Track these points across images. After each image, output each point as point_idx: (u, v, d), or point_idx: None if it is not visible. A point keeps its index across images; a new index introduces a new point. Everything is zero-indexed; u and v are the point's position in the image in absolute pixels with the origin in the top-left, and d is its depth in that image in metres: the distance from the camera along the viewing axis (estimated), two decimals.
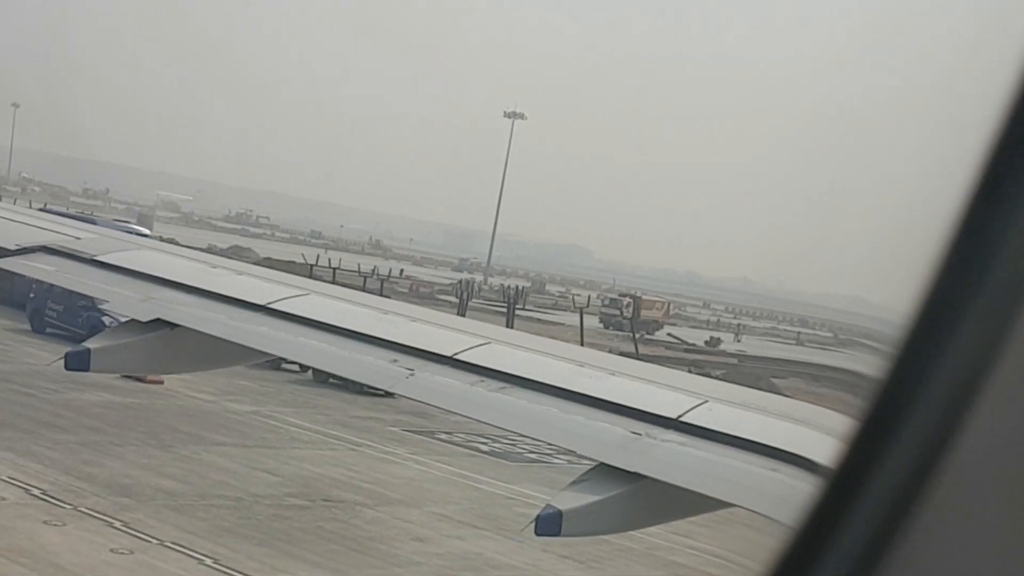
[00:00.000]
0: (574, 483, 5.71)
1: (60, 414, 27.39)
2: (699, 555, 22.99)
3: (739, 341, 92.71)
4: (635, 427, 5.79)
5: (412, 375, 6.21)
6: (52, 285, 33.07)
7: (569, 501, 5.54)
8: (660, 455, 5.62)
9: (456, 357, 6.28)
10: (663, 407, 5.89)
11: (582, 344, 46.26)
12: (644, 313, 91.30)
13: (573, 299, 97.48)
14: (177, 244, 23.17)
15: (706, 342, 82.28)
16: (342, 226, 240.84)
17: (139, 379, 33.06)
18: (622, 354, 30.03)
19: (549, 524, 5.47)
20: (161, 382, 33.13)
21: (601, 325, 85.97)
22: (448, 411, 6.37)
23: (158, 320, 6.66)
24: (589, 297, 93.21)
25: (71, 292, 39.49)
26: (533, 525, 5.56)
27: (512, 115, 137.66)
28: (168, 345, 6.67)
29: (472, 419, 6.26)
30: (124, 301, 6.95)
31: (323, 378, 37.84)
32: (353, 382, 36.87)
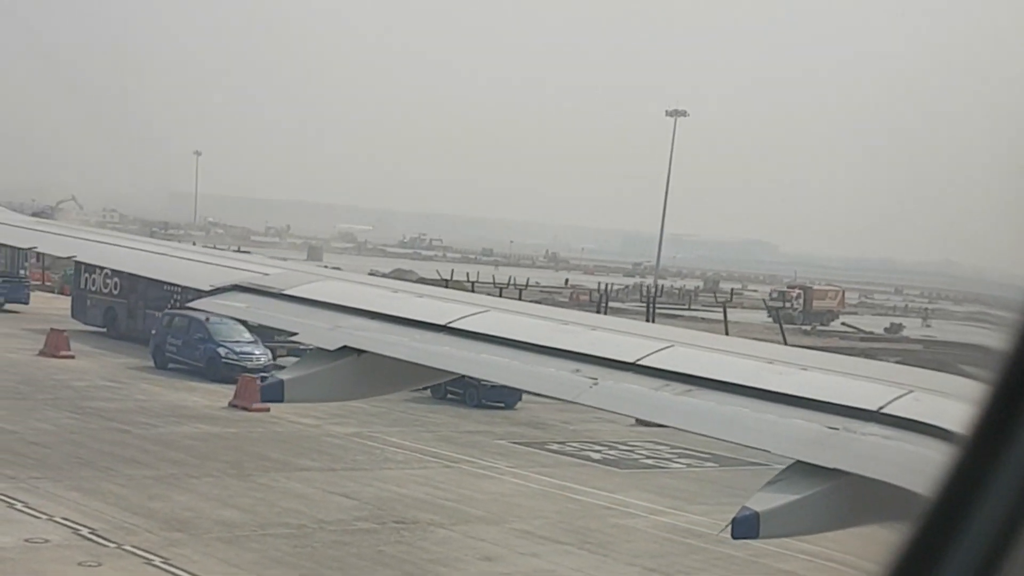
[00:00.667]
0: (770, 483, 5.64)
1: (147, 449, 27.71)
2: (813, 560, 22.02)
3: (928, 327, 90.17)
4: (832, 422, 5.69)
5: (595, 384, 6.22)
6: (172, 320, 36.02)
7: (765, 502, 5.47)
8: (861, 450, 5.50)
9: (639, 363, 6.26)
10: (862, 399, 5.76)
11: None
12: (816, 303, 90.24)
13: (731, 295, 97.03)
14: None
15: (886, 329, 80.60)
16: (512, 241, 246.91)
17: (244, 408, 33.85)
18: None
19: (746, 526, 5.45)
20: (267, 409, 33.52)
21: (769, 319, 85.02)
22: (633, 416, 6.39)
23: (345, 347, 6.84)
24: (769, 292, 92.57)
25: (189, 327, 41.18)
26: (730, 528, 5.52)
27: (674, 113, 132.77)
28: (356, 371, 6.82)
29: (660, 425, 6.25)
30: (312, 331, 7.14)
31: (441, 394, 38.55)
32: (470, 396, 37.57)
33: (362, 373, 6.84)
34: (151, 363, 41.94)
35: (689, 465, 31.37)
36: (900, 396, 5.76)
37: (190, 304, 8.25)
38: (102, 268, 50.25)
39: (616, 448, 32.97)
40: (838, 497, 5.44)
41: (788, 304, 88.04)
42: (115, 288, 50.70)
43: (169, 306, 45.81)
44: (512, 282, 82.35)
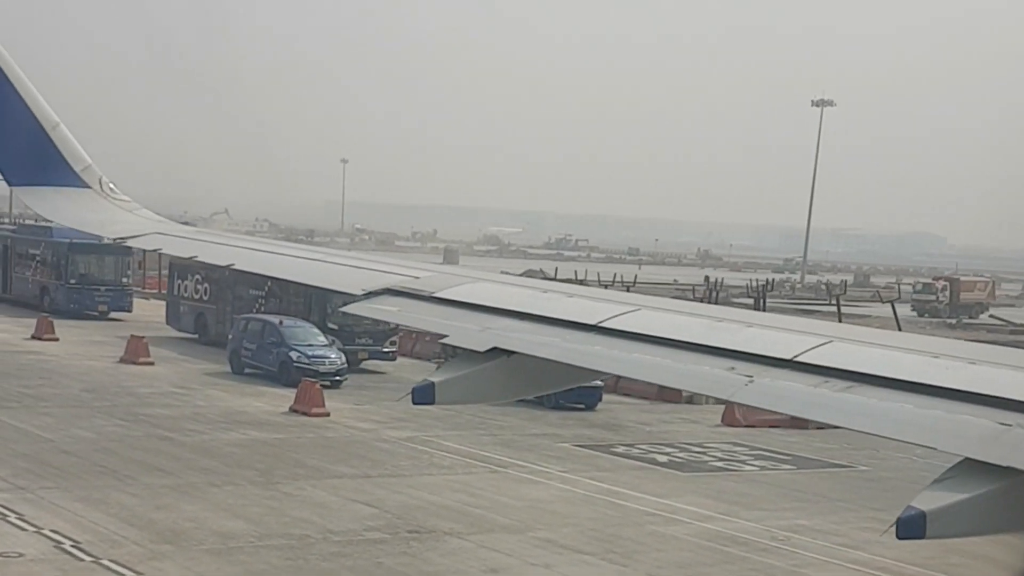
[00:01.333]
0: (937, 481, 5.49)
1: (180, 457, 27.43)
2: (860, 570, 21.42)
3: None
4: (1004, 418, 5.53)
5: (751, 382, 6.10)
6: (247, 325, 35.99)
7: (933, 501, 5.33)
8: None
9: (797, 359, 6.13)
10: None
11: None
12: (964, 296, 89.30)
13: (879, 292, 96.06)
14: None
15: None
16: (656, 240, 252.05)
17: (304, 413, 33.87)
18: None
19: (912, 527, 5.27)
20: (327, 414, 33.75)
21: (914, 313, 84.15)
22: (794, 416, 6.27)
23: (495, 349, 6.78)
24: (913, 285, 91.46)
25: (263, 331, 41.34)
26: (894, 529, 5.33)
27: (820, 103, 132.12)
28: (506, 372, 6.77)
29: (819, 422, 6.09)
30: (462, 333, 7.08)
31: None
32: (548, 398, 36.80)
33: (512, 374, 6.78)
34: (229, 369, 42.05)
35: (763, 468, 30.84)
36: None
37: (344, 309, 8.22)
38: (194, 274, 51.07)
39: (689, 450, 32.41)
40: (1011, 497, 5.28)
41: (934, 297, 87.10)
42: (205, 293, 50.98)
43: (255, 310, 46.41)
44: (618, 279, 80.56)
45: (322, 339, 41.40)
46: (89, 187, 10.32)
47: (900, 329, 50.41)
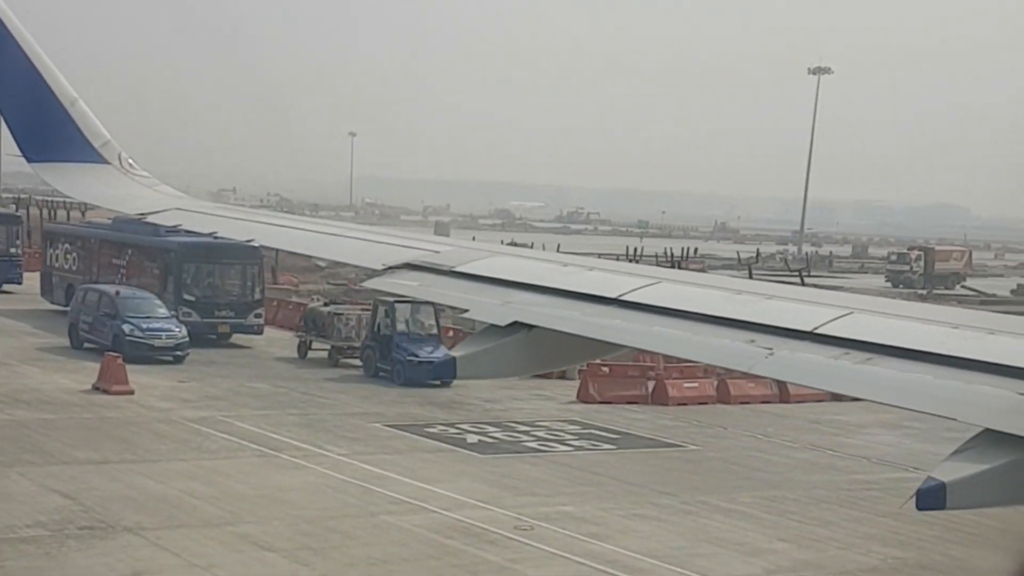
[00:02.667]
0: (956, 452, 5.56)
1: None
2: (586, 565, 19.95)
3: None
4: None
5: (771, 354, 6.17)
6: (85, 295, 35.20)
7: (952, 472, 5.39)
8: None
9: (816, 331, 6.20)
10: None
11: None
12: (939, 266, 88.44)
13: (831, 260, 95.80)
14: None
15: (1012, 291, 79.60)
16: (663, 212, 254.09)
17: (105, 391, 32.24)
18: None
19: (932, 497, 5.33)
20: (131, 392, 32.16)
21: (888, 284, 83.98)
22: (811, 388, 6.36)
23: (515, 323, 6.85)
24: (887, 254, 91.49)
25: (99, 302, 39.72)
26: (914, 500, 5.47)
27: (818, 70, 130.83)
28: (527, 346, 6.83)
29: (839, 394, 6.18)
30: (483, 307, 7.16)
31: (373, 371, 38.13)
32: (397, 373, 37.01)
33: (532, 348, 6.84)
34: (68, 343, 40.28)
35: (577, 449, 29.72)
36: None
37: (365, 283, 8.31)
38: (63, 242, 49.72)
39: (514, 430, 31.23)
40: None
41: (908, 267, 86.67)
42: (74, 263, 49.43)
43: (117, 280, 44.71)
44: (628, 253, 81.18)
45: (163, 311, 39.40)
46: (108, 163, 10.33)
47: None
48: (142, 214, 10.33)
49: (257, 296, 44.96)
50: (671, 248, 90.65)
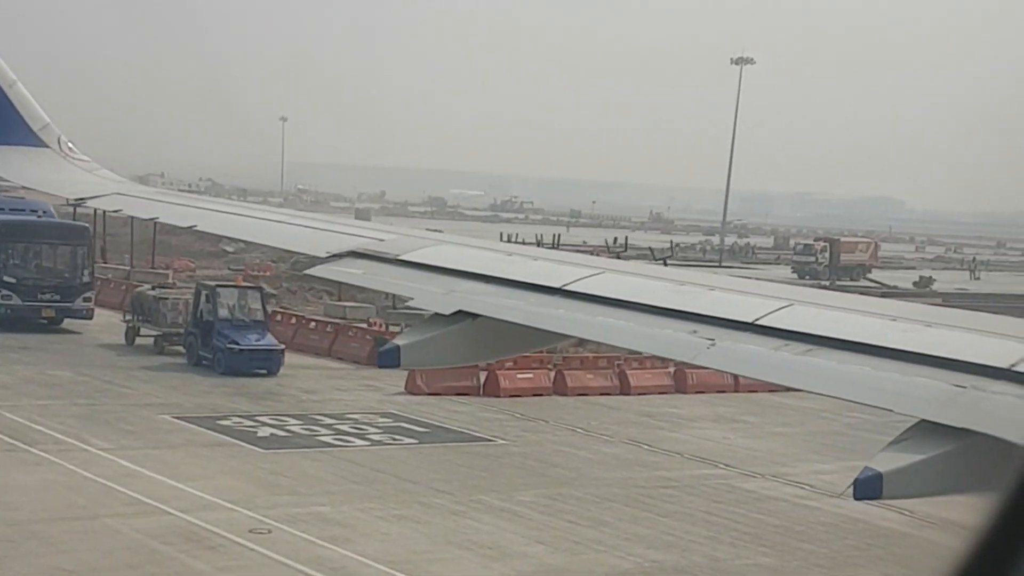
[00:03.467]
0: (893, 443, 5.66)
1: None
2: (299, 571, 19.07)
3: (977, 279, 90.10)
4: (959, 380, 5.74)
5: (713, 345, 6.27)
6: None
7: (889, 462, 5.50)
8: (991, 409, 5.52)
9: (758, 323, 6.31)
10: (991, 357, 5.78)
11: None
12: (844, 257, 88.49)
13: (753, 251, 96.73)
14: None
15: (915, 283, 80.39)
16: (594, 202, 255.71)
17: None
18: None
19: (869, 487, 5.45)
20: None
21: (795, 275, 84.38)
22: (753, 379, 6.47)
23: (460, 312, 6.91)
24: (794, 246, 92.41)
25: None
26: (852, 489, 5.61)
27: (740, 61, 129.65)
28: (471, 335, 6.90)
29: (780, 385, 6.32)
30: (428, 296, 7.21)
31: (195, 359, 36.89)
32: (218, 362, 35.90)
33: (477, 337, 6.92)
34: None
35: (376, 443, 28.70)
36: None
37: (308, 271, 8.33)
38: None
39: (318, 423, 30.24)
40: (966, 458, 5.46)
41: (813, 258, 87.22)
42: None
43: None
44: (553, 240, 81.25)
45: None
46: (47, 146, 10.25)
47: None
48: (80, 199, 10.26)
49: (86, 279, 43.20)
50: (588, 239, 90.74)
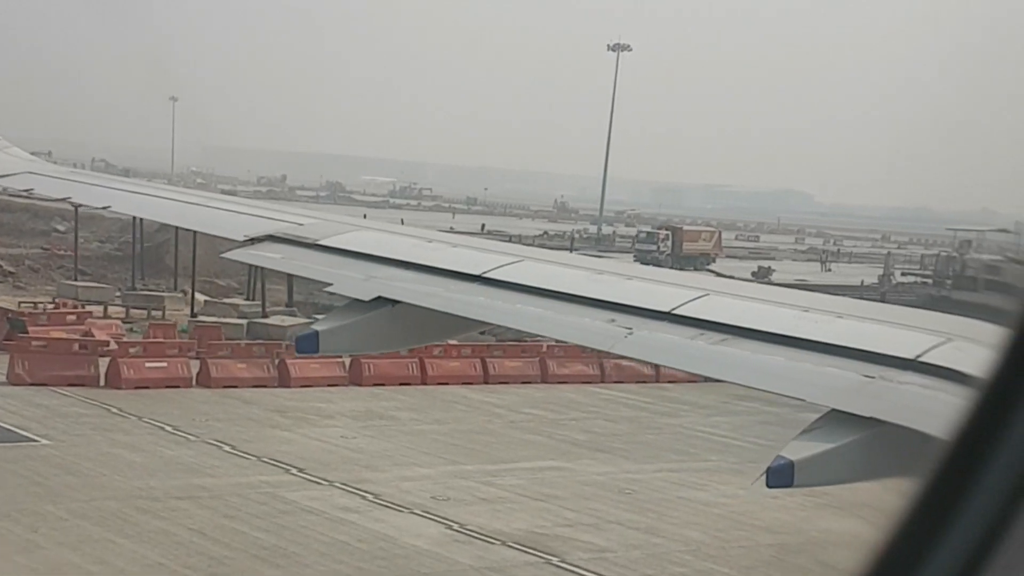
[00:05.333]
0: (805, 432, 5.87)
1: None
2: None
3: (828, 271, 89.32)
4: (868, 370, 5.96)
5: (631, 334, 6.46)
6: None
7: (801, 451, 5.70)
8: (898, 399, 5.74)
9: (674, 312, 6.52)
10: (899, 348, 6.01)
11: None
12: (688, 247, 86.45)
13: (613, 238, 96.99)
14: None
15: (753, 273, 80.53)
16: (486, 189, 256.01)
17: None
18: None
19: (781, 475, 5.66)
20: None
21: (637, 264, 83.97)
22: (670, 367, 6.69)
23: (379, 298, 7.01)
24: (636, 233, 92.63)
25: None
26: (764, 478, 5.83)
27: (617, 47, 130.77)
28: (390, 321, 7.01)
29: (695, 374, 6.54)
30: (347, 281, 7.28)
31: None
32: None
33: (397, 324, 7.04)
34: None
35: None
36: (938, 345, 6.03)
37: (225, 255, 8.34)
38: None
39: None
40: (874, 447, 5.70)
41: (655, 247, 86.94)
42: None
43: None
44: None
45: None
46: None
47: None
48: None
49: None
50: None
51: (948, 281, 70.57)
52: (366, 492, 23.13)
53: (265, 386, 32.60)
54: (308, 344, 6.85)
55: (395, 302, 7.01)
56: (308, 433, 28.41)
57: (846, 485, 6.27)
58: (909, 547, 1.94)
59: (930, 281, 73.21)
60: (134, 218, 39.77)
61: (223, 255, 8.39)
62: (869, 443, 5.72)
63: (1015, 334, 2.01)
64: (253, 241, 8.04)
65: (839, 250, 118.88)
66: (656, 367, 36.34)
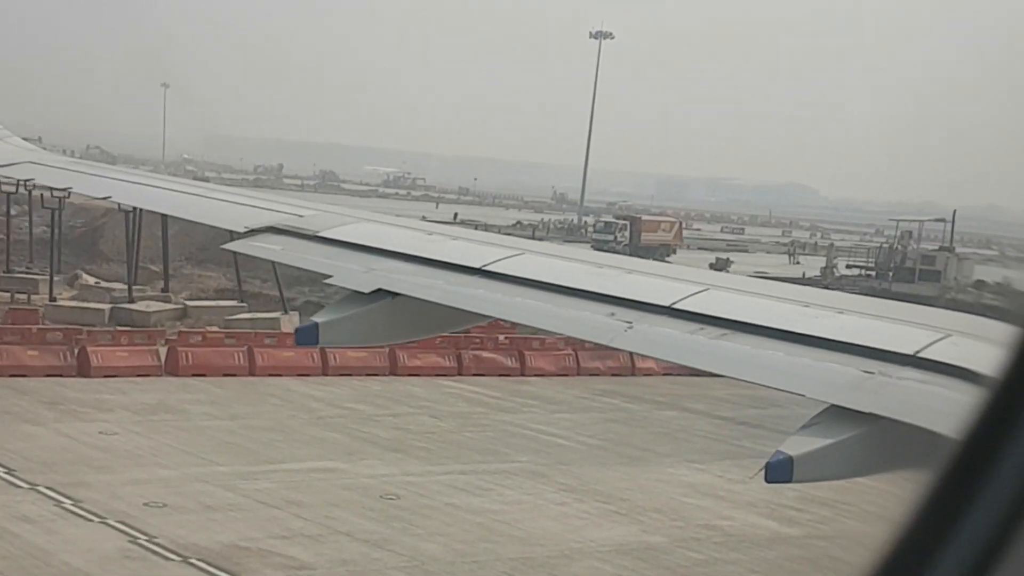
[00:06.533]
0: (804, 427, 5.90)
1: None
2: None
3: (797, 263, 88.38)
4: (868, 366, 6.00)
5: (631, 328, 6.54)
6: None
7: (800, 446, 5.74)
8: (897, 394, 5.79)
9: (674, 306, 6.61)
10: (899, 343, 6.06)
11: None
12: (647, 237, 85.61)
13: (584, 229, 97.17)
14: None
15: (711, 264, 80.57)
16: (475, 179, 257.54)
17: None
18: None
19: (780, 471, 5.69)
20: None
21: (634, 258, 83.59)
22: (670, 362, 6.78)
23: (380, 290, 7.10)
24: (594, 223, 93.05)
25: None
26: (763, 472, 5.96)
27: (599, 35, 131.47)
28: (390, 314, 7.10)
29: (695, 368, 6.65)
30: (347, 274, 7.38)
31: None
32: None
33: (396, 316, 7.12)
34: None
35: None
36: (938, 340, 6.10)
37: (225, 246, 8.41)
38: None
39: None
40: (873, 442, 5.76)
41: (612, 237, 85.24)
42: None
43: None
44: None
45: None
46: None
47: None
48: None
49: None
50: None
51: (890, 273, 70.53)
52: (67, 498, 20.98)
53: (60, 375, 30.49)
54: (308, 336, 6.98)
55: (395, 294, 7.10)
56: (63, 429, 26.02)
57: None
58: (918, 547, 1.96)
59: (873, 273, 72.96)
60: (59, 199, 38.74)
61: (223, 247, 8.42)
62: (869, 439, 5.78)
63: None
64: (253, 232, 8.12)
65: (816, 243, 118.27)
66: (521, 358, 36.47)
